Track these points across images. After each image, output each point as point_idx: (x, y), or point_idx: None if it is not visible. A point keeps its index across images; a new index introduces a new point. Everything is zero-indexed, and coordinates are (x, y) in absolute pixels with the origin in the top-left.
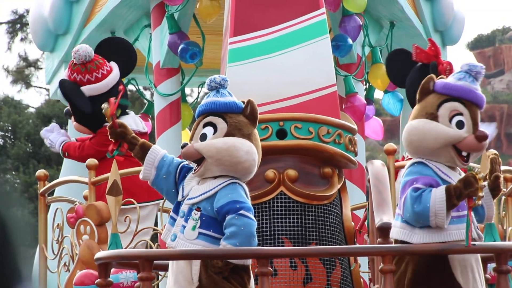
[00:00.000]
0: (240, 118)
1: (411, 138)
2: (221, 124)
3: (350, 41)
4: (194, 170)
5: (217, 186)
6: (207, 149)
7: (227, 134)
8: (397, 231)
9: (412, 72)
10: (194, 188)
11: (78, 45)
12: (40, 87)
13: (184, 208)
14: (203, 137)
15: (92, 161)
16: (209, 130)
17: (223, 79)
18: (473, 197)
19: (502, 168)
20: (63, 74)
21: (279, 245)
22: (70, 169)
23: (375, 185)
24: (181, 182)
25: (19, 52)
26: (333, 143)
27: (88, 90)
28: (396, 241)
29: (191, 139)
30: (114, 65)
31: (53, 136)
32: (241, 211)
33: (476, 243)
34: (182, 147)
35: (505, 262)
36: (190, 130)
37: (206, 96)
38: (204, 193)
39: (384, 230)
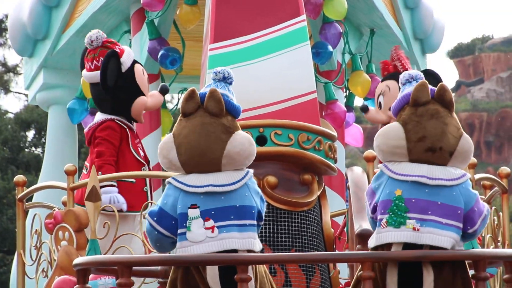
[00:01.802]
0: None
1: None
2: None
3: (330, 48)
4: None
5: None
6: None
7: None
8: (452, 242)
9: None
10: None
11: (86, 37)
12: (19, 93)
13: None
14: None
15: (71, 166)
16: None
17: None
18: None
19: (481, 175)
20: (41, 80)
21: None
22: (49, 174)
23: (354, 192)
24: None
25: None
26: (313, 150)
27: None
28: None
29: None
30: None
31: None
32: (147, 215)
33: (454, 250)
34: None
35: (483, 269)
36: None
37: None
38: None
39: (363, 236)
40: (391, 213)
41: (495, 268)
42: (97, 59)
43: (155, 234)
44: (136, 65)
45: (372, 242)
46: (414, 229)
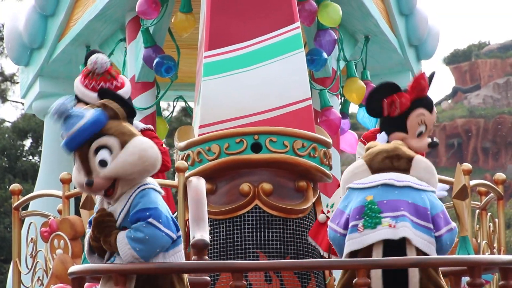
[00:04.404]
0: (113, 123)
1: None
2: (110, 140)
3: (325, 55)
4: (107, 196)
5: (129, 199)
6: (124, 170)
7: (122, 145)
8: (426, 245)
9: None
10: (111, 211)
11: (93, 56)
12: (16, 102)
13: None
14: (103, 163)
15: (66, 174)
16: (104, 154)
17: (63, 103)
18: None
19: (476, 181)
20: (37, 88)
21: (253, 258)
22: (45, 183)
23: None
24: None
25: None
26: (308, 157)
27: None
28: (419, 253)
29: (88, 173)
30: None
31: None
32: (150, 219)
33: (450, 256)
34: (90, 184)
35: (478, 276)
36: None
37: (67, 127)
38: (121, 212)
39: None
40: (365, 217)
41: (491, 275)
42: (97, 82)
43: (166, 239)
44: None
45: (350, 247)
46: (390, 226)
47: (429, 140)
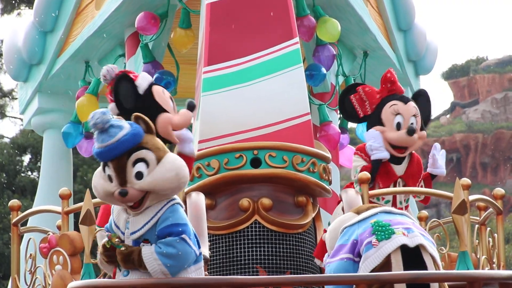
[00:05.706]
0: (149, 137)
1: None
2: (148, 155)
3: (324, 70)
4: (132, 208)
5: (158, 212)
6: (161, 185)
7: (158, 160)
8: (437, 255)
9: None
10: (131, 221)
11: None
12: (14, 117)
13: (127, 243)
14: (139, 175)
15: (65, 190)
16: (142, 166)
17: (104, 113)
18: None
19: (475, 196)
20: (36, 104)
21: (253, 274)
22: (43, 198)
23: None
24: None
25: None
26: (307, 172)
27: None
28: (434, 261)
29: (122, 183)
30: None
31: None
32: (183, 236)
33: (449, 271)
34: (124, 194)
35: None
36: None
37: (105, 138)
38: (147, 223)
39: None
40: (377, 232)
41: None
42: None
43: (194, 256)
44: (154, 86)
45: (369, 265)
46: (404, 234)
47: (404, 130)
